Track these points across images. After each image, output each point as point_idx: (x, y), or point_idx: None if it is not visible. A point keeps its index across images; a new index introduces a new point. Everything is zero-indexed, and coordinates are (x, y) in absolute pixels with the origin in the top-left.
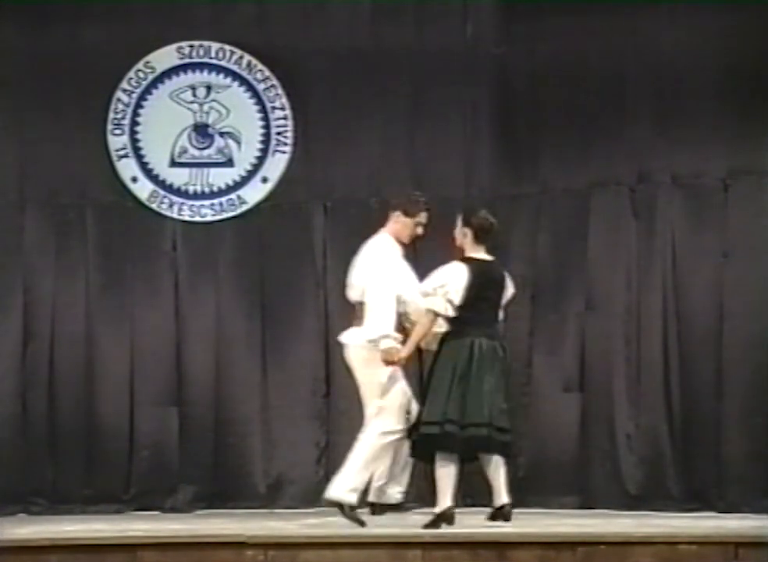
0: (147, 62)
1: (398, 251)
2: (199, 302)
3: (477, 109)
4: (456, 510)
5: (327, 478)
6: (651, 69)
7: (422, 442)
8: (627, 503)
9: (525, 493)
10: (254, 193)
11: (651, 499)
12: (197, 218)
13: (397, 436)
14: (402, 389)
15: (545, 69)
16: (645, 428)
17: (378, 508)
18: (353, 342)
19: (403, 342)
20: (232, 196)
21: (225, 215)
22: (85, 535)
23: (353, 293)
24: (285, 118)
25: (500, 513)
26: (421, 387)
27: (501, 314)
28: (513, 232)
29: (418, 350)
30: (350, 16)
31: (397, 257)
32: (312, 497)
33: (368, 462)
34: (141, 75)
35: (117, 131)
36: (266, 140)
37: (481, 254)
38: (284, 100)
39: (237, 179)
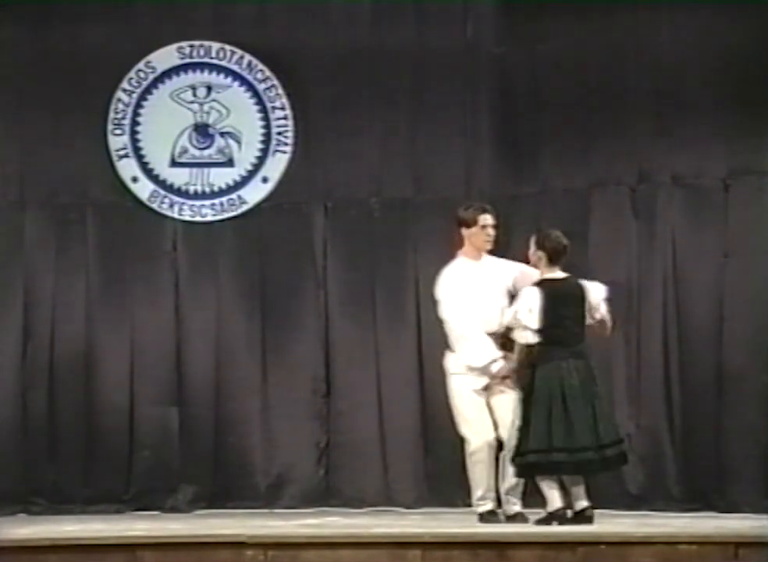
0: (148, 62)
1: (467, 267)
2: (199, 302)
3: (477, 109)
4: (457, 510)
5: (327, 478)
6: (651, 69)
7: (528, 469)
8: (627, 503)
9: (525, 493)
10: (255, 193)
11: (651, 499)
12: (198, 218)
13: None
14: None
15: (545, 69)
16: (645, 428)
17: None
18: (452, 367)
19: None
20: (233, 196)
21: (225, 215)
22: (85, 535)
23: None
24: (285, 118)
25: (584, 516)
26: (518, 412)
27: (604, 309)
28: (513, 233)
29: None
30: (350, 16)
31: (465, 273)
32: (312, 497)
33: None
34: (141, 75)
35: (117, 131)
36: (266, 140)
37: (555, 274)
38: (284, 100)
39: (238, 179)
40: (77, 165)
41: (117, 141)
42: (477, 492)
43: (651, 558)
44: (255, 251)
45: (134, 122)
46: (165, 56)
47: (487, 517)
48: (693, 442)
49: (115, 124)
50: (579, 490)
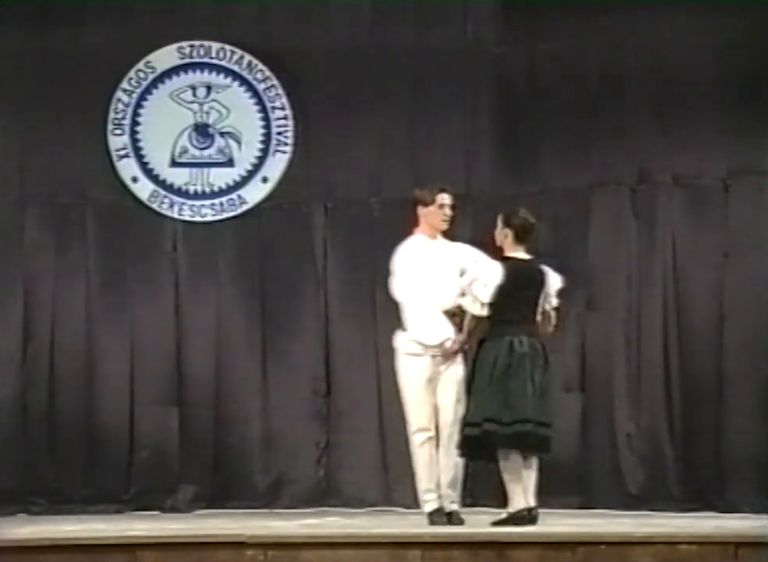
0: (148, 62)
1: (423, 245)
2: (199, 302)
3: (477, 109)
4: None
5: (327, 478)
6: (651, 69)
7: (465, 443)
8: (627, 503)
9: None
10: (255, 193)
11: (651, 499)
12: (198, 218)
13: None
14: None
15: (545, 69)
16: (645, 428)
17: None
18: (398, 344)
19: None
20: (233, 196)
21: (225, 215)
22: (85, 535)
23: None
24: (285, 118)
25: (530, 516)
26: (467, 387)
27: (555, 302)
28: None
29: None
30: (351, 16)
31: (421, 251)
32: (312, 497)
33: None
34: (141, 75)
35: (117, 131)
36: (266, 140)
37: (519, 254)
38: (284, 100)
39: (238, 179)
40: (77, 165)
41: (117, 141)
42: (420, 489)
43: (651, 558)
44: (255, 251)
45: (134, 122)
46: (165, 56)
47: (434, 517)
48: (693, 442)
49: (115, 124)
50: (531, 488)
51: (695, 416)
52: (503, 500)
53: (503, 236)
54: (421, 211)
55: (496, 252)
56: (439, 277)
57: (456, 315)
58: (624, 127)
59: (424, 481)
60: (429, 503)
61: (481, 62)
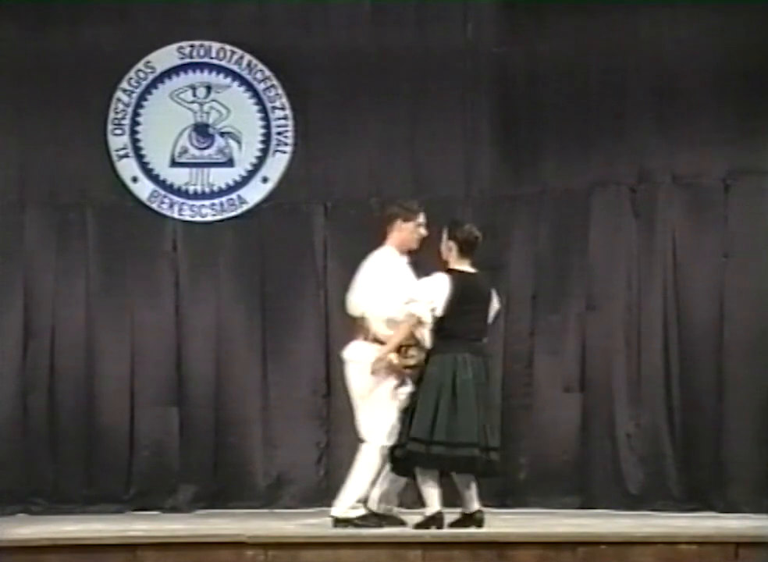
0: (148, 62)
1: (400, 262)
2: (199, 302)
3: (477, 109)
4: (457, 511)
5: (327, 478)
6: (651, 69)
7: (407, 460)
8: (627, 503)
9: (526, 493)
10: (255, 193)
11: (651, 499)
12: (198, 218)
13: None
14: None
15: (545, 69)
16: (645, 428)
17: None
18: (356, 357)
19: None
20: (233, 196)
21: (225, 215)
22: (85, 535)
23: (353, 308)
24: (285, 118)
25: (473, 519)
26: (409, 401)
27: (485, 326)
28: (513, 233)
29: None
30: (351, 16)
31: (400, 268)
32: (312, 497)
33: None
34: (141, 75)
35: (117, 131)
36: (266, 140)
37: (465, 267)
38: (284, 100)
39: (238, 179)
40: (77, 165)
41: (117, 141)
42: (348, 500)
43: (651, 558)
44: (255, 251)
45: (134, 122)
46: (165, 56)
47: (362, 521)
48: (693, 442)
49: (115, 124)
50: (471, 492)
51: (695, 416)
52: (502, 500)
53: (448, 248)
54: (398, 225)
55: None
56: (398, 293)
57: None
58: (624, 127)
59: (361, 493)
60: (357, 511)
61: (481, 62)
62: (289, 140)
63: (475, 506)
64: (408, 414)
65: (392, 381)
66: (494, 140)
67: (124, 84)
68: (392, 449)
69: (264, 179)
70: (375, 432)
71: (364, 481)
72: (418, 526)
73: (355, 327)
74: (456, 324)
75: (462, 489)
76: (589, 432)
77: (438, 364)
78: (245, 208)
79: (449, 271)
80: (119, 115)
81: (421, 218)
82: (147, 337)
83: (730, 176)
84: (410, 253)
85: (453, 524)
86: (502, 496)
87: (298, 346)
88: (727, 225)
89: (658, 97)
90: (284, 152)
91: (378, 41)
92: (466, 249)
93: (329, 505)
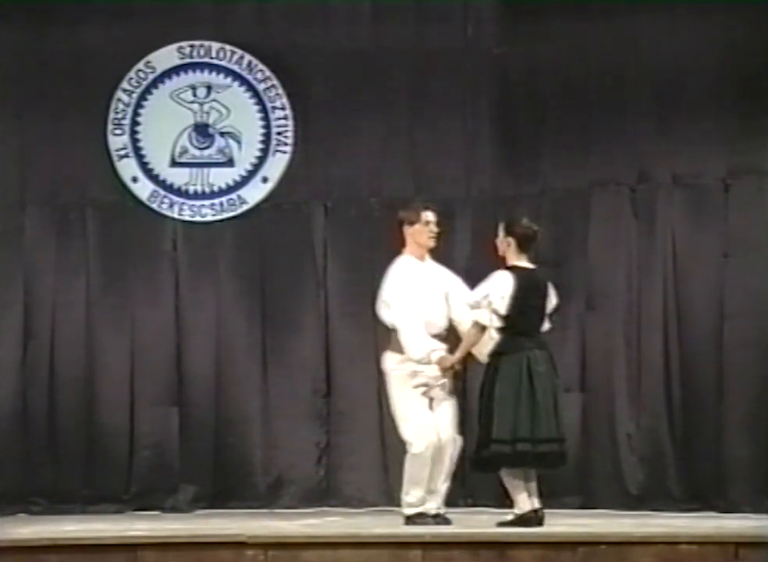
0: (148, 62)
1: (414, 267)
2: (199, 302)
3: (477, 109)
4: (458, 510)
5: (327, 478)
6: (651, 69)
7: (493, 460)
8: (627, 503)
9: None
10: (255, 193)
11: (651, 499)
12: (198, 218)
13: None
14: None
15: (545, 69)
16: (645, 428)
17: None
18: (395, 368)
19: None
20: (233, 196)
21: (225, 215)
22: (85, 535)
23: (383, 321)
24: (285, 118)
25: (537, 517)
26: (480, 404)
27: (546, 324)
28: None
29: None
30: (351, 15)
31: (413, 273)
32: (312, 497)
33: (412, 476)
34: (142, 75)
35: (117, 131)
36: (266, 139)
37: (524, 263)
38: (284, 100)
39: (238, 179)
40: (77, 165)
41: (117, 141)
42: (415, 493)
43: (651, 558)
44: (255, 251)
45: (134, 122)
46: (165, 56)
47: (415, 519)
48: (693, 442)
49: (115, 124)
50: (532, 491)
51: (695, 416)
52: (502, 500)
53: (506, 244)
54: (408, 230)
55: (497, 261)
56: (428, 299)
57: (445, 338)
58: (624, 127)
59: (421, 491)
60: (416, 508)
61: (481, 62)
62: (289, 140)
63: (537, 503)
64: (486, 418)
65: (429, 386)
66: (494, 140)
67: (124, 84)
68: (476, 452)
69: (264, 179)
70: (416, 440)
71: (420, 482)
72: (503, 524)
73: (384, 337)
74: (523, 321)
75: (527, 487)
76: (589, 432)
77: (511, 363)
78: (245, 208)
79: (511, 268)
80: (119, 115)
81: (429, 216)
82: (147, 337)
83: (730, 176)
84: (432, 251)
85: (506, 524)
86: (502, 496)
87: (298, 346)
88: (727, 225)
89: (658, 97)
90: (284, 152)
91: (378, 41)
92: (525, 244)
93: (329, 505)
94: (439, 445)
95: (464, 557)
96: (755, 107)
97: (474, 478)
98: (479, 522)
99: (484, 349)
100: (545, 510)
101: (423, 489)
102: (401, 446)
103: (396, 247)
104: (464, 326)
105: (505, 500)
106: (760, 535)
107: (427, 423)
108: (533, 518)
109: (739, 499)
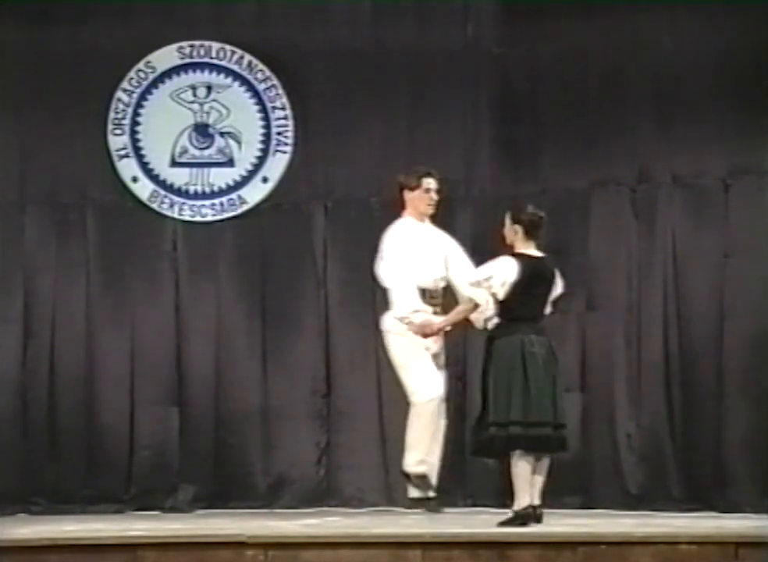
0: (148, 62)
1: (413, 227)
2: (199, 302)
3: (477, 109)
4: (458, 510)
5: (327, 478)
6: (651, 69)
7: (489, 444)
8: (627, 503)
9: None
10: (255, 193)
11: (651, 499)
12: (198, 218)
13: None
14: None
15: (545, 69)
16: (645, 428)
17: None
18: (394, 328)
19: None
20: (233, 196)
21: (225, 215)
22: (85, 535)
23: (380, 281)
24: (285, 118)
25: (534, 514)
26: (481, 389)
27: (548, 309)
28: None
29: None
30: (351, 16)
31: (411, 233)
32: (312, 497)
33: (413, 432)
34: (142, 75)
35: (117, 131)
36: (267, 139)
37: (531, 250)
38: (284, 100)
39: (238, 179)
40: (77, 165)
41: (117, 141)
42: (415, 455)
43: (651, 558)
44: (255, 251)
45: (134, 122)
46: (165, 56)
47: (418, 480)
48: (693, 442)
49: (115, 124)
50: (539, 488)
51: (695, 416)
52: (502, 500)
53: (513, 232)
54: (407, 195)
55: (505, 250)
56: (423, 256)
57: (435, 298)
58: (624, 127)
59: (421, 451)
60: (418, 468)
61: (481, 62)
62: (289, 140)
63: (537, 500)
64: (482, 401)
65: (427, 342)
66: (494, 140)
67: (124, 84)
68: (473, 434)
69: (264, 179)
70: (421, 390)
71: (424, 438)
72: (503, 524)
73: (386, 298)
74: (522, 307)
75: (534, 479)
76: (589, 432)
77: (506, 346)
78: (245, 208)
79: (517, 255)
80: (119, 115)
81: (429, 184)
82: (147, 337)
83: (730, 176)
84: (433, 218)
85: (504, 522)
86: (502, 496)
87: (298, 346)
88: (727, 225)
89: (658, 97)
90: (284, 152)
91: (378, 41)
92: (532, 231)
93: (329, 505)
94: (442, 401)
95: (463, 557)
96: (755, 107)
97: (474, 478)
98: (479, 522)
99: (480, 315)
100: (545, 510)
101: (422, 452)
102: (401, 446)
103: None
104: (461, 292)
105: (505, 500)
106: (760, 535)
107: (432, 374)
108: (531, 515)
109: (739, 499)
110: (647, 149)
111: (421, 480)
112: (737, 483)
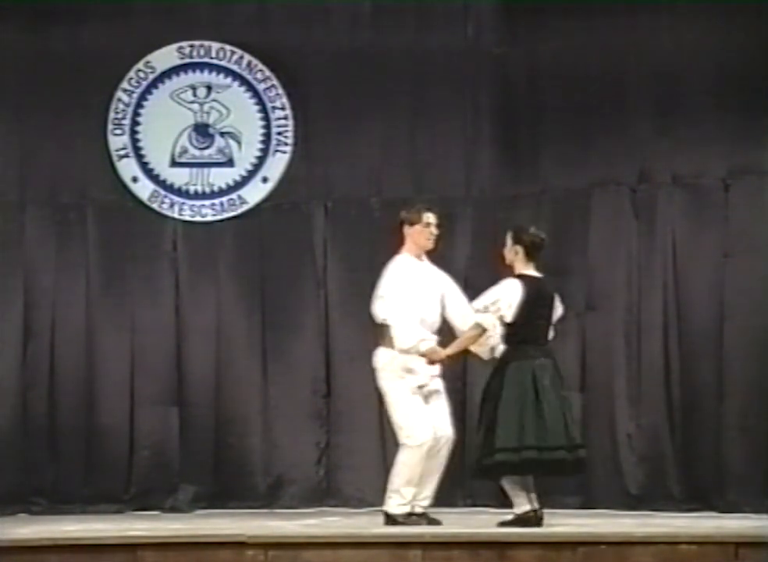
0: (148, 62)
1: (412, 265)
2: (199, 302)
3: (477, 109)
4: (458, 510)
5: (327, 478)
6: (651, 69)
7: (497, 469)
8: (627, 503)
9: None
10: (255, 193)
11: (651, 499)
12: (198, 218)
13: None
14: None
15: (545, 69)
16: (645, 428)
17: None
18: (386, 366)
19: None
20: (233, 196)
21: (225, 215)
22: (85, 535)
23: (375, 316)
24: (285, 118)
25: (536, 517)
26: (482, 410)
27: (552, 333)
28: None
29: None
30: (351, 16)
31: (410, 271)
32: (312, 497)
33: (408, 473)
34: (142, 75)
35: (117, 131)
36: (266, 139)
37: (532, 271)
38: (284, 100)
39: (238, 179)
40: (77, 165)
41: (117, 141)
42: (407, 491)
43: (651, 558)
44: (255, 251)
45: (134, 122)
46: (165, 56)
47: (401, 518)
48: (693, 442)
49: (115, 124)
50: (531, 491)
51: (695, 416)
52: (502, 500)
53: (514, 252)
54: (407, 230)
55: (504, 270)
56: (423, 298)
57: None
58: (624, 127)
59: (408, 493)
60: (405, 508)
61: (481, 62)
62: (289, 140)
63: (536, 504)
64: (489, 425)
65: (422, 381)
66: (494, 140)
67: (124, 84)
68: (480, 460)
69: (264, 179)
70: (413, 434)
71: (412, 480)
72: (504, 524)
73: (377, 334)
74: (529, 329)
75: (525, 488)
76: (589, 431)
77: (517, 371)
78: (245, 208)
79: (520, 276)
80: (119, 115)
81: (430, 219)
82: (147, 337)
83: (730, 176)
84: (429, 253)
85: (505, 524)
86: (502, 496)
87: (298, 346)
88: (727, 225)
89: (658, 97)
90: (284, 152)
91: (379, 42)
92: (533, 252)
93: (329, 505)
94: (435, 441)
95: (463, 557)
96: (755, 107)
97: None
98: (479, 522)
99: (484, 346)
100: (545, 510)
101: (414, 486)
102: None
103: (397, 247)
104: (459, 328)
105: (505, 500)
106: (760, 535)
107: (423, 417)
108: (532, 518)
109: (739, 499)
110: (647, 149)
111: (406, 517)
112: (737, 483)
